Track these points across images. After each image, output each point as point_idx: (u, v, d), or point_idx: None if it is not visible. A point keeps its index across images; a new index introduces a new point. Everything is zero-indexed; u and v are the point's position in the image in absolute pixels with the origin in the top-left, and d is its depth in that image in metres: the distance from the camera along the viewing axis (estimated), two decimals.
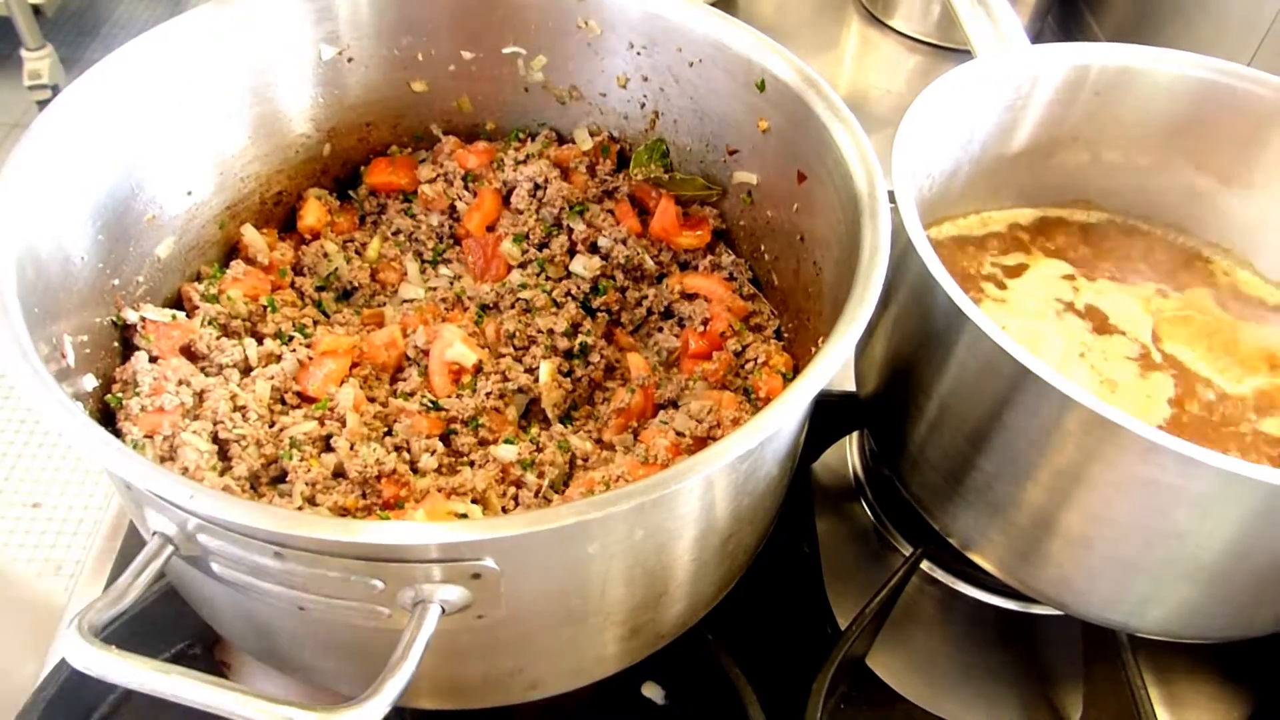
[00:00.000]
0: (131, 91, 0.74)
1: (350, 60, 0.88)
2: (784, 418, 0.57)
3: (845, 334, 0.60)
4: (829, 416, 0.92)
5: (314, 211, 0.91)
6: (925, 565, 0.91)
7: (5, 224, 0.61)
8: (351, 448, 0.73)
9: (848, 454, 1.02)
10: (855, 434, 1.02)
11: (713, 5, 0.85)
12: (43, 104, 2.93)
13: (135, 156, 0.76)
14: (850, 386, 0.91)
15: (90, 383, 0.69)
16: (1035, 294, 0.91)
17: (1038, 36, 0.98)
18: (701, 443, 0.76)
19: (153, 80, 0.76)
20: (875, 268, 0.64)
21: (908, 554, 0.88)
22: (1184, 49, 0.89)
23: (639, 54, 0.88)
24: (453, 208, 0.93)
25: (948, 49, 1.46)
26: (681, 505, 0.58)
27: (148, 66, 0.75)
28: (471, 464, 0.76)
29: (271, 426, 0.74)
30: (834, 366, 0.59)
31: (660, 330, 0.90)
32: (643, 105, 0.91)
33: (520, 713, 0.77)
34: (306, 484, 0.70)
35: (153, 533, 0.54)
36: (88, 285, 0.70)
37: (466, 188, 0.93)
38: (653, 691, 0.82)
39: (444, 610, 0.53)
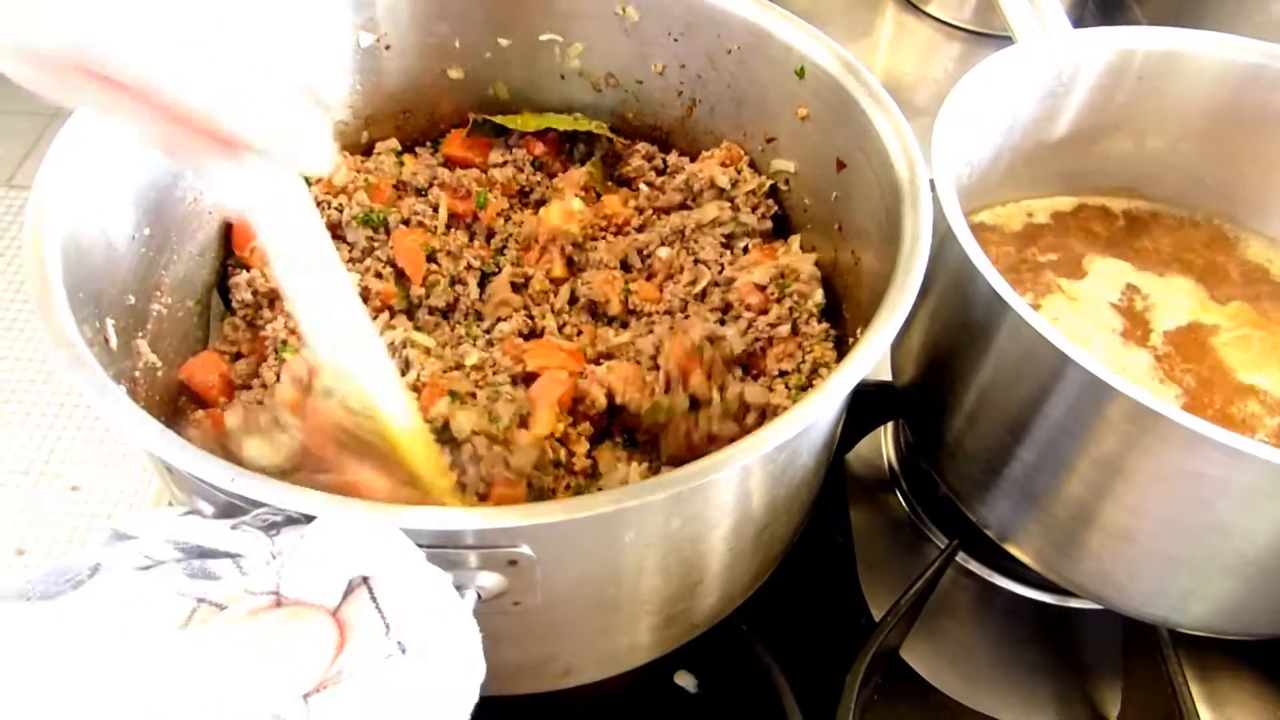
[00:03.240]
0: None
1: (388, 48, 0.88)
2: (823, 408, 0.57)
3: (887, 323, 0.60)
4: (864, 407, 0.91)
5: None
6: (961, 558, 0.90)
7: (51, 209, 0.62)
8: None
9: (883, 445, 1.01)
10: (890, 425, 1.02)
11: None
12: None
13: None
14: (885, 377, 0.91)
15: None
16: (1095, 297, 0.89)
17: (1079, 21, 0.97)
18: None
19: None
20: (917, 255, 0.63)
21: (943, 546, 0.88)
22: (1230, 32, 0.87)
23: (676, 41, 0.87)
24: (522, 191, 0.92)
25: (986, 35, 1.44)
26: (718, 495, 0.58)
27: None
28: None
29: None
30: (875, 355, 0.58)
31: None
32: (680, 93, 0.91)
33: (552, 700, 0.77)
34: None
35: None
36: (130, 271, 0.71)
37: (537, 170, 0.93)
38: (685, 680, 0.82)
39: (480, 596, 0.53)
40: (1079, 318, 0.88)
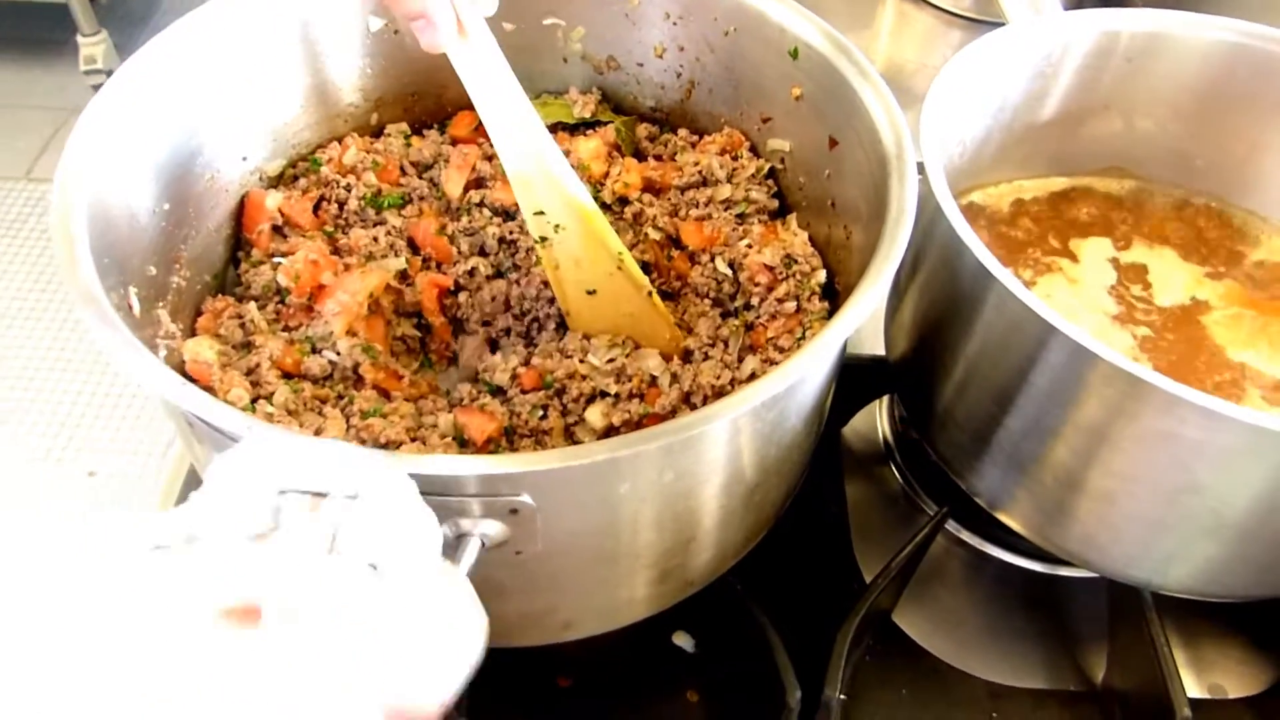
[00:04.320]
0: (192, 61, 0.78)
1: (397, 32, 0.91)
2: (811, 364, 0.59)
3: (873, 286, 0.62)
4: (859, 380, 0.94)
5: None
6: (952, 526, 0.93)
7: (80, 180, 0.65)
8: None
9: (877, 419, 1.03)
10: (885, 400, 1.04)
11: None
12: (98, 89, 2.99)
13: (195, 123, 0.79)
14: (880, 351, 0.93)
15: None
16: (1089, 277, 0.91)
17: (1077, 5, 0.98)
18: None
19: (211, 51, 0.79)
20: (902, 225, 0.65)
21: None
22: (1222, 14, 0.88)
23: (675, 24, 0.90)
24: None
25: (986, 22, 1.46)
26: (709, 449, 0.60)
27: (207, 37, 0.79)
28: None
29: None
30: (860, 316, 0.61)
31: None
32: (679, 75, 0.93)
33: (554, 656, 0.80)
34: None
35: None
36: (151, 242, 0.74)
37: None
38: (683, 640, 0.84)
39: (484, 544, 0.56)
40: (1074, 298, 0.90)
